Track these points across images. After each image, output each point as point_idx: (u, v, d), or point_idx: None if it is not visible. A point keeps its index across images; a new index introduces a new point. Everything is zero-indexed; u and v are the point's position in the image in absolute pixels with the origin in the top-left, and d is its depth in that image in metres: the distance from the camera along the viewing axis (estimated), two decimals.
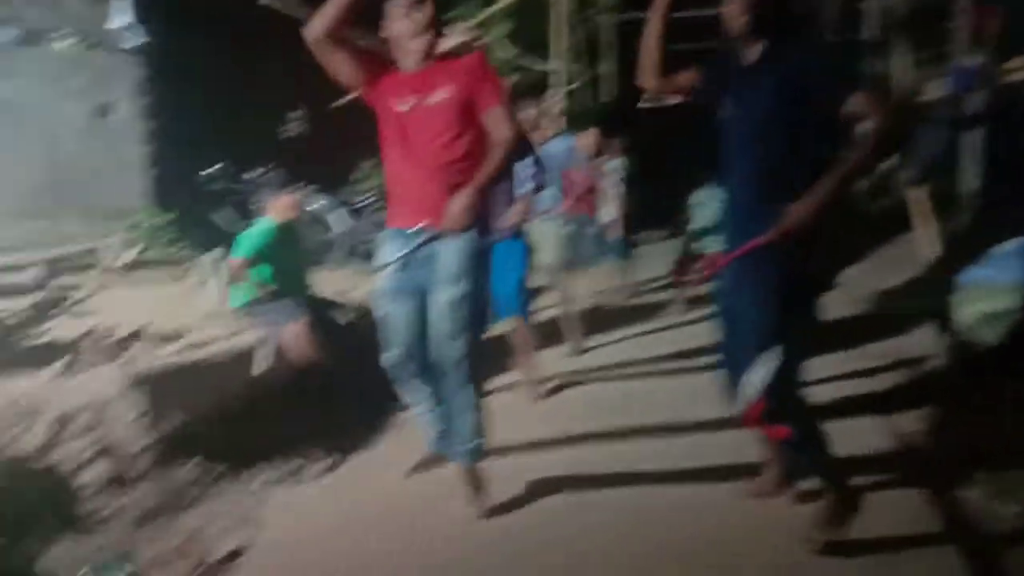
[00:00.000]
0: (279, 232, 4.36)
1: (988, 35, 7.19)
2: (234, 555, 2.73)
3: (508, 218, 3.93)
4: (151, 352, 3.97)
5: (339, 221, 7.62)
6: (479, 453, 2.92)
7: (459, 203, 2.62)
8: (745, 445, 2.92)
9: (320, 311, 4.44)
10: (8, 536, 2.61)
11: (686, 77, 2.73)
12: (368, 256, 7.88)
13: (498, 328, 4.11)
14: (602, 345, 5.40)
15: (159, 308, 4.75)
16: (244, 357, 4.03)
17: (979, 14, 7.52)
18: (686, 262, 6.51)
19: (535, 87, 9.41)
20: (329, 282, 5.73)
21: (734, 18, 2.46)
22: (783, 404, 2.41)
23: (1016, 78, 4.37)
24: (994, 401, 3.79)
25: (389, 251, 2.87)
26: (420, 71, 2.76)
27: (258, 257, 4.28)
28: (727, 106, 2.58)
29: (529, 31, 11.44)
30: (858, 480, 2.73)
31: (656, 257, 7.63)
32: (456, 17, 10.62)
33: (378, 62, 2.81)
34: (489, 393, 2.93)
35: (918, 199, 5.49)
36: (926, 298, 5.06)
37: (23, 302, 4.52)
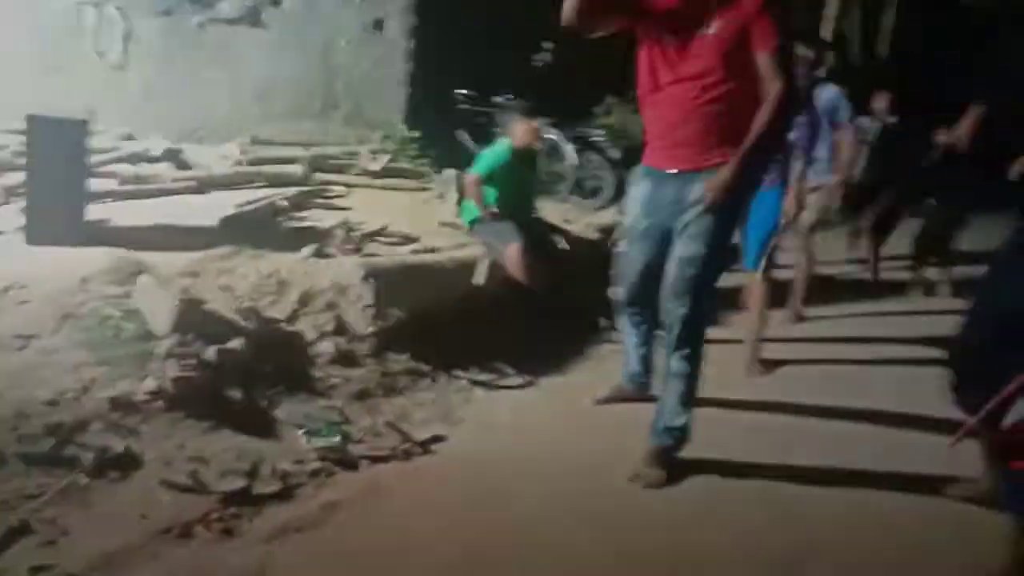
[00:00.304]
0: (514, 156, 4.52)
1: None
2: (434, 440, 2.96)
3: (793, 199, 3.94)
4: (388, 249, 4.33)
5: (571, 154, 7.68)
6: (677, 439, 2.75)
7: (724, 176, 2.51)
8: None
9: (542, 235, 4.58)
10: (256, 385, 3.01)
11: None
12: (594, 192, 7.95)
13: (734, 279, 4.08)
14: (826, 317, 5.11)
15: (400, 213, 5.12)
16: (466, 267, 4.26)
17: None
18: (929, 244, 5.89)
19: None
20: (555, 211, 5.85)
21: None
22: None
23: None
24: None
25: (641, 190, 2.86)
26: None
27: (488, 177, 4.47)
28: None
29: None
30: None
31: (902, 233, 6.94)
32: None
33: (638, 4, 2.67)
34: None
35: None
36: None
37: (289, 191, 5.07)
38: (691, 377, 2.74)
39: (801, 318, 4.96)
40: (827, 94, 4.77)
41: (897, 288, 5.98)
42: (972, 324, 2.34)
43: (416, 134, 7.54)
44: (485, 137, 8.25)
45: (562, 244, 4.71)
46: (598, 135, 8.40)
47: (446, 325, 3.85)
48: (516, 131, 4.54)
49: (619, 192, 7.85)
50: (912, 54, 11.70)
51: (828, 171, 5.01)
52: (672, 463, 2.74)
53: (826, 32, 8.49)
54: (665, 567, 2.25)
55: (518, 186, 4.59)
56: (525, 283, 4.25)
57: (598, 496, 2.60)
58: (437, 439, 2.99)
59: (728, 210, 2.63)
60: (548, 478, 2.71)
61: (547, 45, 10.57)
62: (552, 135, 7.43)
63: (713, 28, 2.55)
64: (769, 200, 3.77)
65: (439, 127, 7.96)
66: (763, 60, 2.51)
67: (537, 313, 4.27)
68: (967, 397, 2.24)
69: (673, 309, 2.68)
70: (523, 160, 4.61)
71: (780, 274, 4.91)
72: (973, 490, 2.60)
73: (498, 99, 8.08)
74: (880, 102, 6.67)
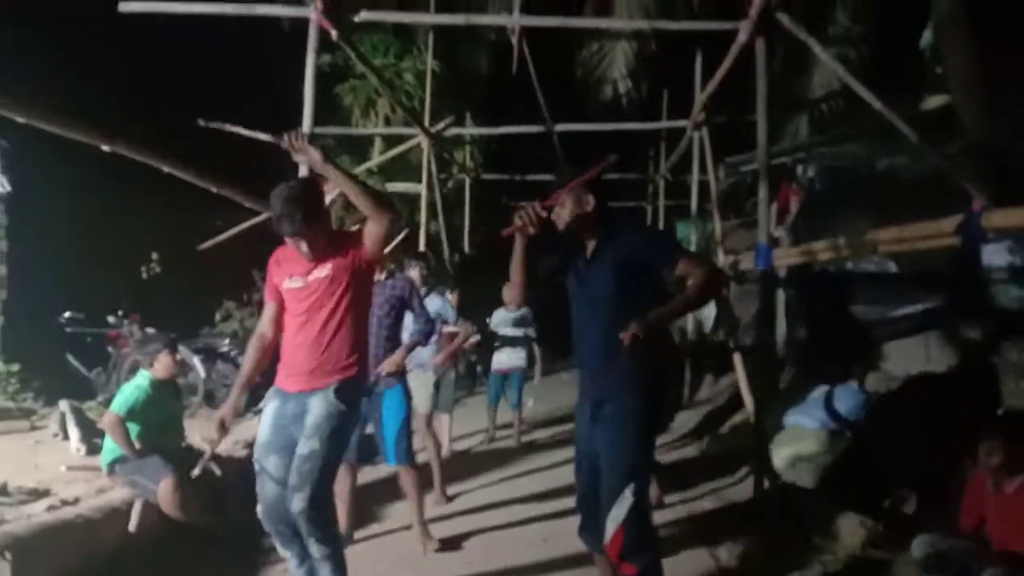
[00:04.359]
0: (156, 388, 4.41)
1: (790, 213, 8.54)
2: None
3: (386, 368, 4.30)
4: (14, 512, 3.86)
5: (199, 367, 7.55)
6: None
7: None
8: None
9: (194, 465, 4.47)
10: None
11: (541, 279, 3.18)
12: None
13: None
14: (471, 490, 5.77)
15: (16, 463, 4.61)
16: (116, 515, 3.99)
17: (784, 194, 8.92)
18: None
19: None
20: (190, 429, 5.73)
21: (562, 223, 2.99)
22: (636, 540, 2.79)
23: (820, 258, 5.36)
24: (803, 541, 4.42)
25: (271, 408, 3.17)
26: (312, 254, 3.09)
27: (130, 414, 4.28)
28: (574, 286, 3.09)
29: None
30: None
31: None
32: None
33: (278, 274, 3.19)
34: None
35: (736, 354, 6.34)
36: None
37: None
38: (334, 556, 3.08)
39: (448, 499, 5.49)
40: (433, 304, 5.60)
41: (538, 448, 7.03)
42: (579, 478, 3.09)
43: (15, 367, 6.83)
44: (98, 360, 7.77)
45: (215, 470, 4.65)
46: (224, 344, 8.42)
47: None
48: (159, 363, 4.45)
49: (253, 397, 7.88)
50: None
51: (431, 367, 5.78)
52: None
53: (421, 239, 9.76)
54: None
55: (163, 418, 4.46)
56: (183, 519, 4.11)
57: None
58: None
59: (334, 408, 3.05)
60: None
61: (155, 256, 10.42)
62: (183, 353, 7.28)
63: (326, 271, 3.08)
64: (394, 398, 4.35)
65: (42, 355, 7.31)
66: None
67: (200, 548, 4.14)
68: (587, 535, 3.05)
69: (295, 502, 2.98)
70: (167, 391, 4.52)
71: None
72: None
73: (111, 319, 7.71)
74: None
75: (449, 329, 5.95)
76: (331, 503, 3.21)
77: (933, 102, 7.06)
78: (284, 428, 3.10)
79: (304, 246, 3.03)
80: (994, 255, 4.76)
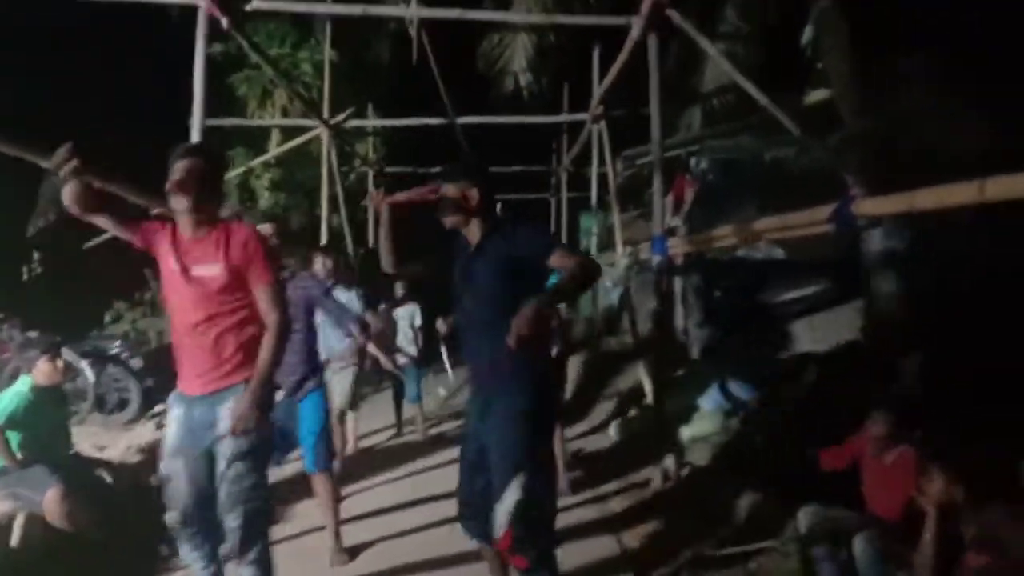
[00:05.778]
0: (38, 395, 4.18)
1: (686, 204, 8.82)
2: None
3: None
4: None
5: (87, 372, 7.19)
6: None
7: (243, 408, 2.80)
8: None
9: (82, 474, 4.28)
10: None
11: (420, 269, 3.26)
12: (121, 405, 7.52)
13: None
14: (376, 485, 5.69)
15: None
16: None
17: (680, 185, 9.21)
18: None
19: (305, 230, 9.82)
20: (82, 436, 5.47)
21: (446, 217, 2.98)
22: (526, 532, 2.74)
23: (720, 244, 5.53)
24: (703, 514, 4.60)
25: (176, 414, 3.01)
26: (195, 239, 2.90)
27: (9, 422, 4.04)
28: (458, 282, 3.03)
29: (297, 179, 11.95)
30: None
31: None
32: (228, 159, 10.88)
33: (148, 224, 2.96)
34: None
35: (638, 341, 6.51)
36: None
37: None
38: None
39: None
40: (341, 297, 5.50)
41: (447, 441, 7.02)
42: (462, 472, 3.06)
43: None
44: None
45: (106, 478, 4.45)
46: (115, 347, 8.04)
47: None
48: (39, 369, 4.21)
49: (147, 400, 7.58)
50: None
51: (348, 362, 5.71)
52: None
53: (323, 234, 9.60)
54: None
55: (48, 426, 4.22)
56: (70, 530, 3.92)
57: None
58: None
59: (257, 431, 2.90)
60: None
61: (37, 255, 9.87)
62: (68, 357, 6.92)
63: (213, 268, 2.87)
64: (313, 403, 4.22)
65: None
66: (260, 293, 2.92)
67: (89, 560, 3.96)
68: (468, 524, 3.03)
69: (228, 522, 2.90)
70: (50, 398, 4.28)
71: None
72: None
73: None
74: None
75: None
76: (268, 528, 3.08)
77: (815, 96, 7.45)
78: (192, 433, 2.93)
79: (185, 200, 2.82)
80: (872, 240, 5.06)
